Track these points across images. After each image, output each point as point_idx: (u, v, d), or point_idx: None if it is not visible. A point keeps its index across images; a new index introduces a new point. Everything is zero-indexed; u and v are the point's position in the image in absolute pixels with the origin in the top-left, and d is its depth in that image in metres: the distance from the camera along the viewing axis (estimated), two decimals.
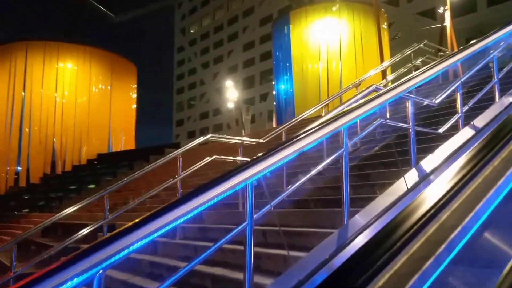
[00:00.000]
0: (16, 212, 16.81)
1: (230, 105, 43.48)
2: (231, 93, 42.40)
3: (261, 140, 6.22)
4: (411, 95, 3.73)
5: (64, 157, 19.74)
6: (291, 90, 19.54)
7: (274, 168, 2.63)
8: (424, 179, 3.38)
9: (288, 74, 19.77)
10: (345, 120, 2.85)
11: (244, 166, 2.54)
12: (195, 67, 73.26)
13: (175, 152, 5.62)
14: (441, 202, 3.19)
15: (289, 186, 3.09)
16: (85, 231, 5.76)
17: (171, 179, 5.67)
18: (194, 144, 5.77)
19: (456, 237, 2.65)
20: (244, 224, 2.64)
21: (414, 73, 3.66)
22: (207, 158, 5.77)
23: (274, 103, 23.22)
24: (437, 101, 3.97)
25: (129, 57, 23.18)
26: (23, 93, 19.97)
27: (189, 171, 5.66)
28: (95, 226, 5.61)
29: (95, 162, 19.85)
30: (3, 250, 5.00)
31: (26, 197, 18.26)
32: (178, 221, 2.17)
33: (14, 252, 4.59)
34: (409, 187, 3.22)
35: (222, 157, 5.75)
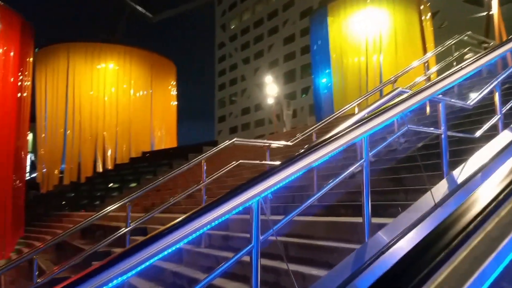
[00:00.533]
0: (66, 208, 17.44)
1: (271, 100, 43.32)
2: (272, 88, 42.21)
3: (288, 143, 5.98)
4: (442, 98, 3.39)
5: (107, 156, 20.21)
6: (329, 84, 19.06)
7: (280, 186, 2.42)
8: (455, 192, 3.05)
9: (327, 68, 19.28)
10: (356, 134, 2.59)
11: (247, 185, 2.34)
12: (236, 63, 73.54)
13: (199, 157, 5.50)
14: (481, 217, 2.86)
15: (302, 203, 2.84)
16: (113, 236, 5.74)
17: (196, 185, 5.56)
18: (218, 149, 5.63)
19: (489, 268, 2.34)
20: (249, 247, 2.44)
21: (444, 74, 3.32)
22: (233, 162, 5.61)
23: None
24: (472, 103, 3.61)
25: (170, 55, 23.44)
26: (66, 94, 20.58)
27: (214, 177, 5.51)
28: (120, 233, 5.56)
29: (137, 160, 20.23)
30: (29, 258, 5.02)
31: (70, 195, 18.89)
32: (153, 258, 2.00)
33: (35, 263, 4.60)
34: (436, 201, 2.91)
35: (247, 161, 5.57)
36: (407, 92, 3.27)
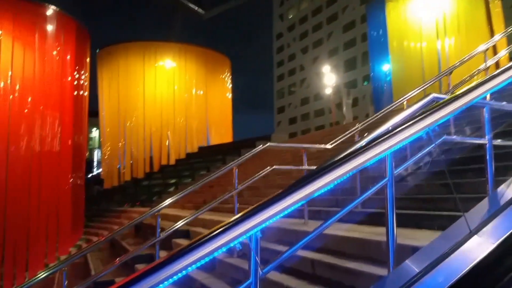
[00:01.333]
0: (125, 204, 18.12)
1: (329, 90, 42.49)
2: (331, 77, 41.34)
3: (327, 146, 5.64)
4: (486, 102, 2.94)
5: (165, 151, 20.63)
6: (388, 73, 18.18)
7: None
8: (496, 215, 2.62)
9: (385, 56, 18.39)
10: (370, 156, 2.26)
11: (245, 215, 2.12)
12: (294, 53, 72.79)
13: (231, 164, 5.31)
14: None
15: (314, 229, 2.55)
16: (150, 243, 5.72)
17: (227, 193, 5.40)
18: (250, 155, 5.40)
19: None
20: (246, 283, 2.21)
21: (486, 77, 2.87)
22: (267, 168, 5.38)
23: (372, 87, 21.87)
24: None
25: (226, 48, 23.49)
26: (125, 93, 21.22)
27: (248, 183, 5.31)
28: (153, 242, 5.51)
29: (193, 156, 20.50)
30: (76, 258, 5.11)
31: (130, 191, 19.56)
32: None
33: (64, 274, 4.66)
34: (472, 228, 2.51)
35: (282, 167, 5.32)
36: (442, 98, 2.86)
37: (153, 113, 21.11)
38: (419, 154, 2.95)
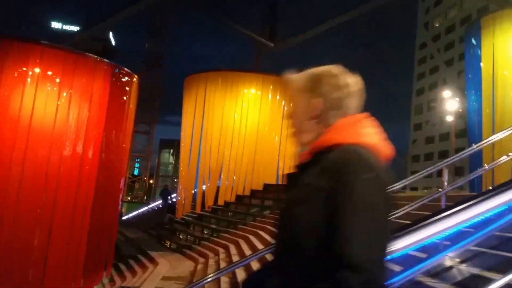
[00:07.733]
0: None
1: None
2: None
3: None
4: None
5: (230, 187, 19.65)
6: (479, 108, 14.44)
7: None
8: None
9: (478, 91, 14.75)
10: None
11: None
12: (438, 65, 65.76)
13: None
14: None
15: None
16: None
17: None
18: None
19: None
20: None
21: None
22: None
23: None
24: None
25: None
26: (201, 121, 20.82)
27: None
28: None
29: (256, 194, 19.08)
30: None
31: (189, 226, 19.06)
32: None
33: None
34: None
35: None
36: None
37: (224, 144, 20.43)
38: None
